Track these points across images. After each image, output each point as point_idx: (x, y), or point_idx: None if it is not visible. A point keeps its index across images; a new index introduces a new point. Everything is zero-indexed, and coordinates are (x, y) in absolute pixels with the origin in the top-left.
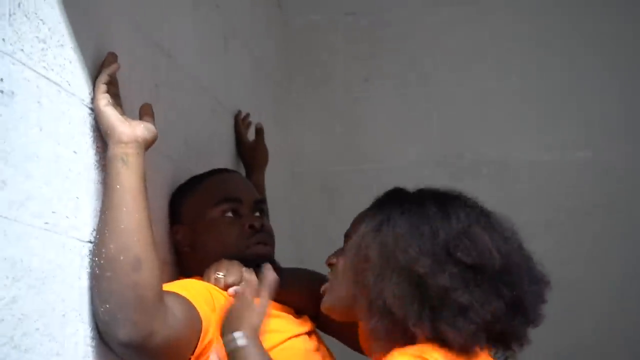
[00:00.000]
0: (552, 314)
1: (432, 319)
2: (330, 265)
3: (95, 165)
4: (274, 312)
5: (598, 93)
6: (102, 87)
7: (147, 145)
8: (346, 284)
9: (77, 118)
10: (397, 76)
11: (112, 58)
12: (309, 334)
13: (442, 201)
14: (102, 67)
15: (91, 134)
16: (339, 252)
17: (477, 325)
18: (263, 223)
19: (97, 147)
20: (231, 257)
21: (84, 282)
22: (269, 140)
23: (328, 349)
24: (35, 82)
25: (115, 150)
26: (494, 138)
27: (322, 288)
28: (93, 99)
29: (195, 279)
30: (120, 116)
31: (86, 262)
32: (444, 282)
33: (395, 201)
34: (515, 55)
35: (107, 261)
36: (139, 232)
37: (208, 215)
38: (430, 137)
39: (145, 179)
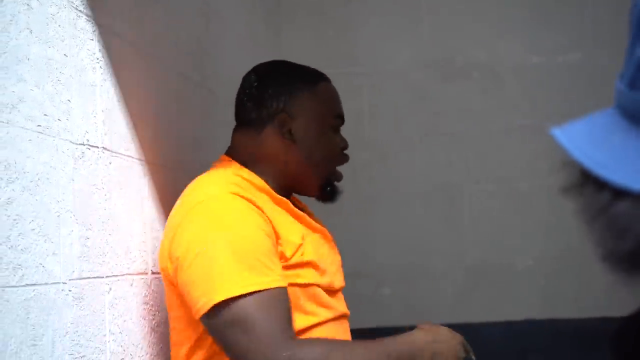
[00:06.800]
0: (541, 218)
1: None
2: None
3: (85, 68)
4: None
5: None
6: None
7: None
8: None
9: (67, 21)
10: None
11: None
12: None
13: None
14: None
15: (81, 36)
16: None
17: None
18: None
19: (87, 49)
20: (322, 171)
21: (77, 184)
22: (260, 45)
23: None
24: None
25: None
26: (485, 41)
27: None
28: None
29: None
30: None
31: (79, 164)
32: None
33: None
34: None
35: None
36: None
37: (327, 123)
38: (421, 40)
39: None
